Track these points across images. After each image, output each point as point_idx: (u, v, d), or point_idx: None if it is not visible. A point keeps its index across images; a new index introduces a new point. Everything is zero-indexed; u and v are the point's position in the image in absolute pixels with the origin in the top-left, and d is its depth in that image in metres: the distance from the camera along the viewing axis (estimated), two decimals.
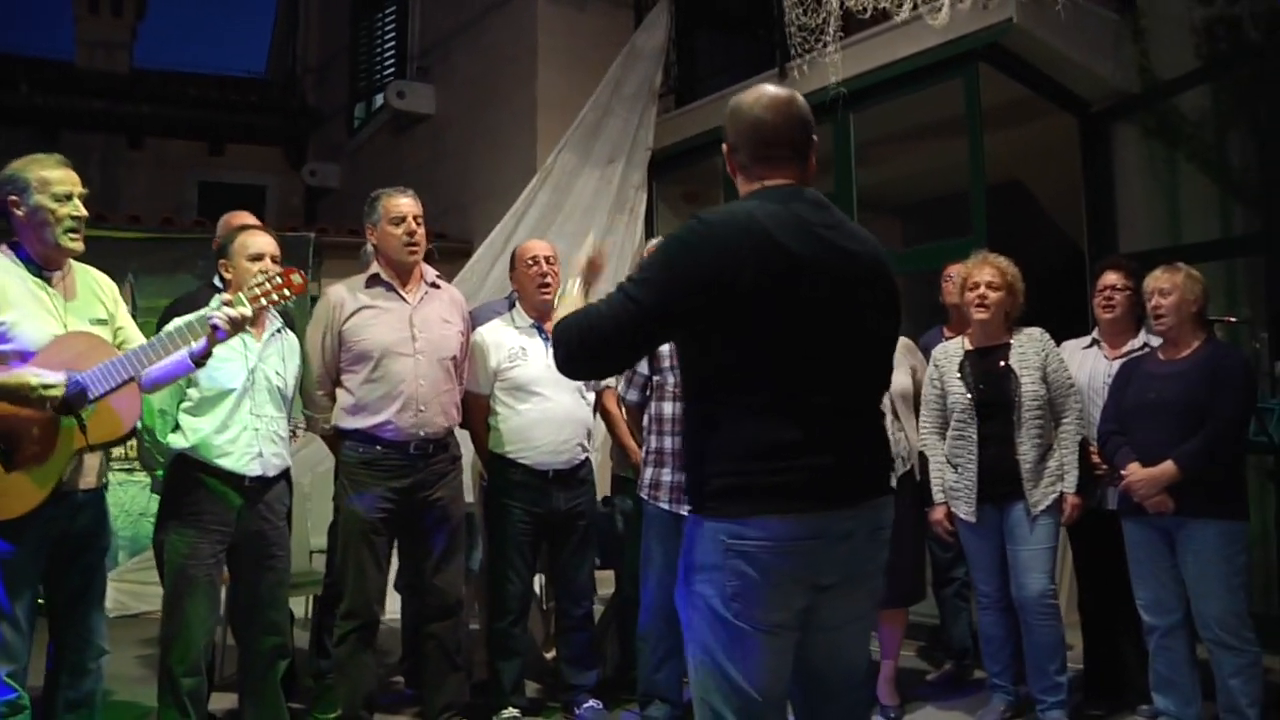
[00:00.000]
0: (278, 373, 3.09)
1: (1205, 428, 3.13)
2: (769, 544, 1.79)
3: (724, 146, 2.00)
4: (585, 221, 6.32)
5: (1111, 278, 3.68)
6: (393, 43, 8.91)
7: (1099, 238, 5.16)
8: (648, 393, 3.53)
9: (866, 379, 1.94)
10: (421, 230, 3.31)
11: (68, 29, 10.39)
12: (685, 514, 3.31)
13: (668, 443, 3.41)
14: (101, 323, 2.75)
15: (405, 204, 3.29)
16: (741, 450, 1.80)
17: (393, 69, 8.86)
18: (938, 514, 3.63)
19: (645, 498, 3.48)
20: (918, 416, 3.77)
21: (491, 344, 3.58)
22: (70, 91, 9.63)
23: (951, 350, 3.68)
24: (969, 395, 3.55)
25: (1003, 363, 3.55)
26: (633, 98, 6.49)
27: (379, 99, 8.99)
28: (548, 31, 6.77)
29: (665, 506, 3.41)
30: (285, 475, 3.13)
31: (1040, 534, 3.44)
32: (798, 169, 1.94)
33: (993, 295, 3.56)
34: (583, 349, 1.84)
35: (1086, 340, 3.83)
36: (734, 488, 1.81)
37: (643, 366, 3.52)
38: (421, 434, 3.22)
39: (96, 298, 2.79)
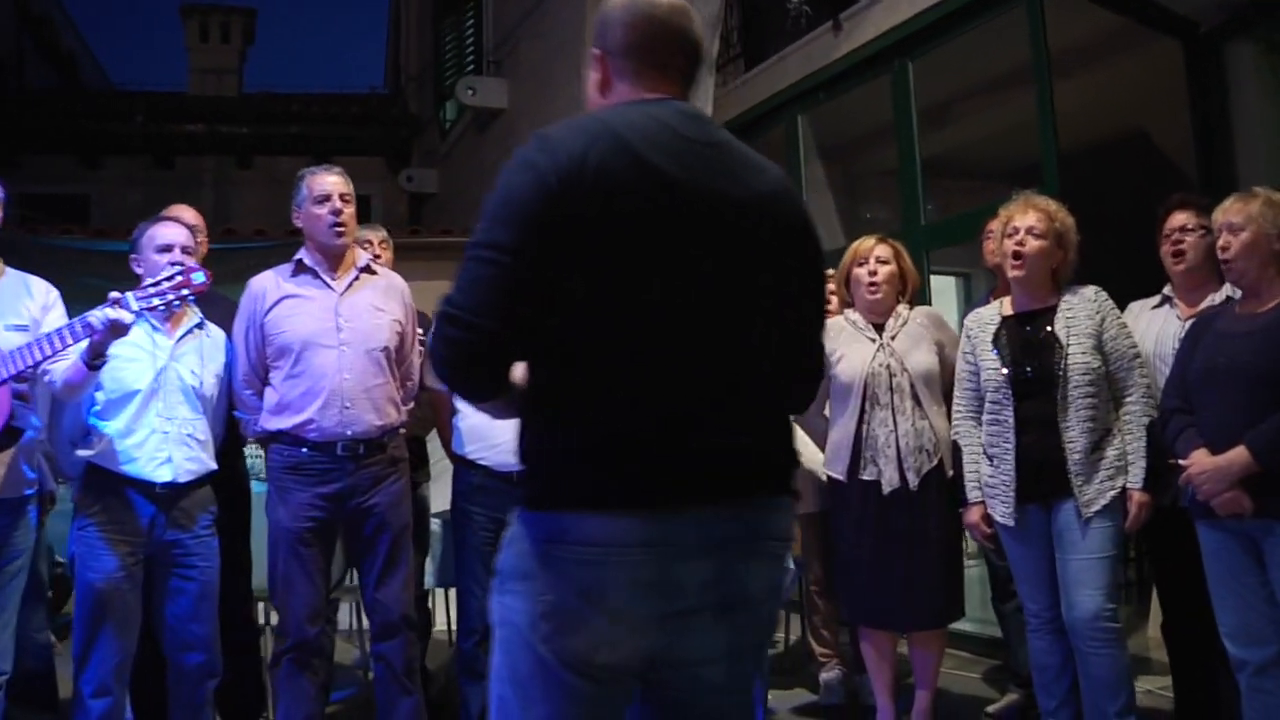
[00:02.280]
0: (193, 372, 2.86)
1: None
2: (596, 550, 1.33)
3: (592, 65, 1.56)
4: None
5: (1180, 218, 2.97)
6: (471, 41, 8.80)
7: (1213, 182, 4.32)
8: None
9: (762, 345, 1.46)
10: (350, 209, 3.00)
11: (182, 60, 10.87)
12: None
13: None
14: (21, 329, 2.68)
15: (331, 181, 2.99)
16: (571, 424, 1.37)
17: (472, 67, 8.75)
18: (972, 516, 3.01)
19: None
20: (949, 402, 3.16)
21: None
22: (182, 118, 10.05)
23: (986, 317, 3.06)
24: (1004, 370, 2.92)
25: (1047, 329, 2.91)
26: None
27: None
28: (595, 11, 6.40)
29: None
30: (212, 480, 2.90)
31: (1095, 540, 2.78)
32: (680, 85, 1.53)
33: (1033, 244, 2.91)
34: (459, 352, 1.36)
35: (1156, 299, 3.12)
36: (559, 472, 1.37)
37: None
38: (349, 434, 2.91)
39: (21, 304, 2.73)
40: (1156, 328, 3.01)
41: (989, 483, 2.96)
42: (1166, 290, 3.12)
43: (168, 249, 2.82)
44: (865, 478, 3.13)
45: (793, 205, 1.53)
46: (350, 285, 3.02)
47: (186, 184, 10.13)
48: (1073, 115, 5.42)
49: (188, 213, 3.34)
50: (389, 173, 11.13)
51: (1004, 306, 3.06)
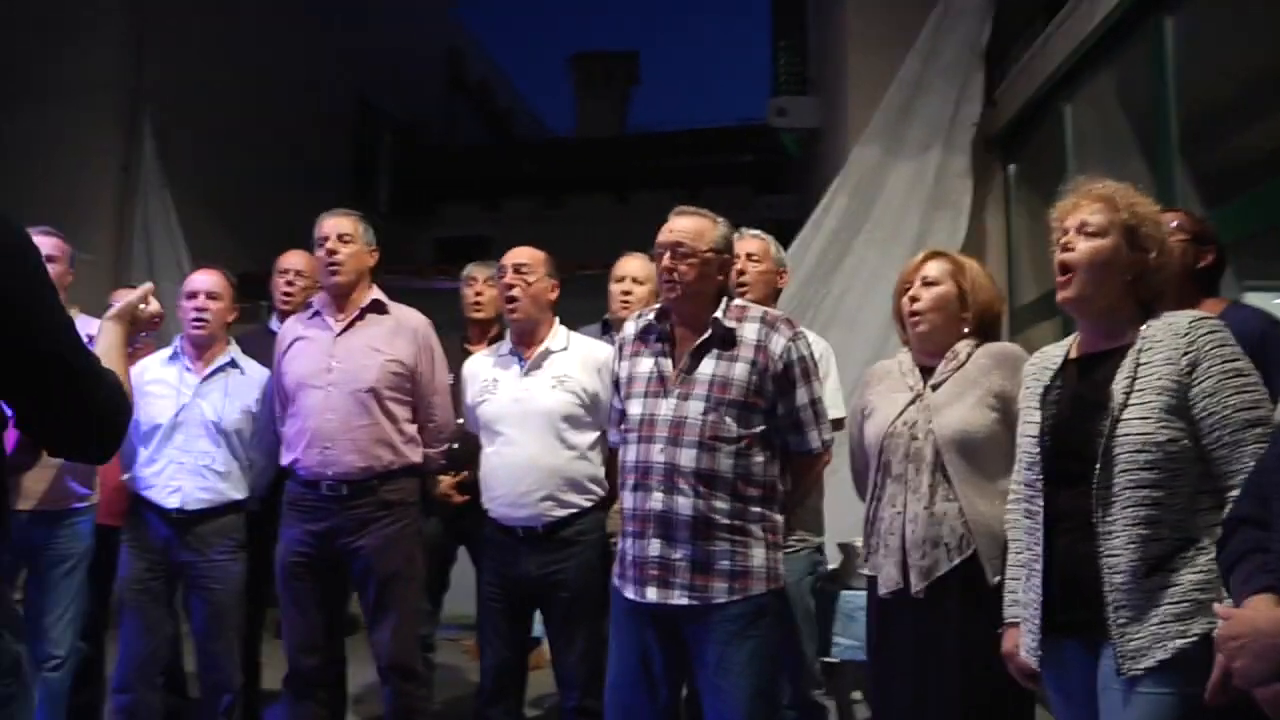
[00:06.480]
0: (215, 408, 3.09)
1: None
2: None
3: None
4: (897, 226, 5.29)
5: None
6: (798, 61, 8.47)
7: None
8: None
9: None
10: (347, 249, 3.02)
11: (567, 105, 11.96)
12: (642, 600, 2.46)
13: (632, 501, 2.54)
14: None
15: (327, 224, 3.05)
16: None
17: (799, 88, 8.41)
18: (1006, 641, 2.13)
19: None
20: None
21: (468, 376, 3.11)
22: (565, 161, 11.03)
23: (1050, 358, 2.16)
24: (1037, 440, 2.04)
25: (1100, 380, 1.98)
26: (951, 67, 5.19)
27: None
28: (856, 11, 5.78)
29: (623, 590, 2.54)
30: (235, 509, 3.11)
31: (1139, 714, 1.80)
32: None
33: (1085, 248, 1.99)
34: None
35: None
36: None
37: (617, 400, 2.72)
38: (330, 473, 2.92)
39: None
40: None
41: (1024, 600, 2.08)
42: None
43: (192, 295, 3.11)
44: (865, 572, 2.38)
45: None
46: (351, 325, 3.04)
47: (573, 221, 11.08)
48: None
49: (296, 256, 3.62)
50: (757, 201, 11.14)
51: (1073, 346, 2.14)
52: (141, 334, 2.63)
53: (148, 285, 1.81)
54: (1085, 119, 4.45)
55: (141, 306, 1.77)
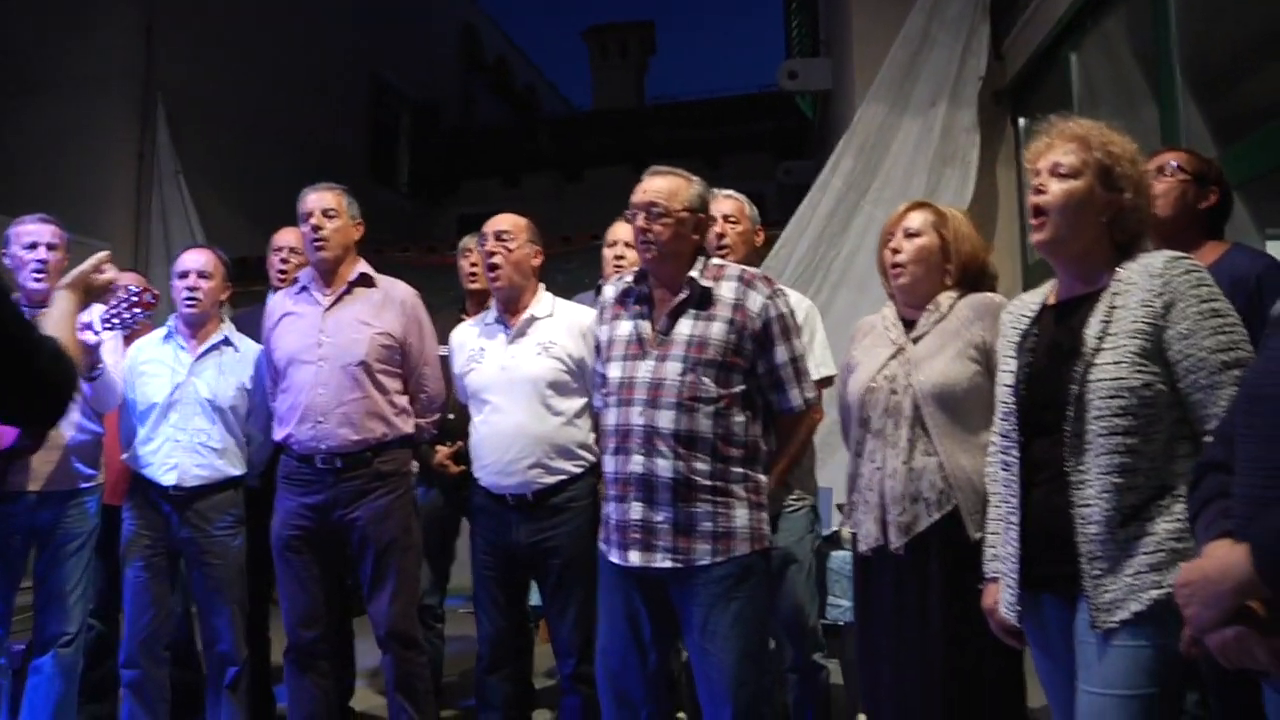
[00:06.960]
0: (210, 385, 3.11)
1: None
2: None
3: None
4: (905, 184, 5.19)
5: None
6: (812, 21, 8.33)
7: None
8: None
9: None
10: (331, 224, 3.02)
11: (586, 78, 11.89)
12: (625, 564, 2.46)
13: (613, 464, 2.53)
14: None
15: (310, 199, 3.05)
16: None
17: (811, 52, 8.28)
18: (986, 597, 2.09)
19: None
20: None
21: (456, 346, 3.11)
22: (582, 134, 10.97)
23: (1026, 306, 2.10)
24: (1012, 389, 1.99)
25: (1076, 325, 1.93)
26: (956, 21, 5.08)
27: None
28: None
29: (608, 554, 2.54)
30: (234, 484, 3.15)
31: (1115, 668, 1.76)
32: None
33: (1056, 190, 1.92)
34: None
35: None
36: None
37: (598, 364, 2.71)
38: (323, 447, 2.94)
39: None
40: None
41: (1002, 555, 2.04)
42: None
43: (184, 275, 3.12)
44: (847, 529, 2.36)
45: None
46: (339, 299, 3.05)
47: (594, 195, 11.02)
48: None
49: (289, 235, 3.63)
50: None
51: (1051, 293, 2.09)
52: (140, 312, 2.66)
53: (102, 254, 1.82)
54: (1093, 66, 4.32)
55: (94, 275, 1.78)
